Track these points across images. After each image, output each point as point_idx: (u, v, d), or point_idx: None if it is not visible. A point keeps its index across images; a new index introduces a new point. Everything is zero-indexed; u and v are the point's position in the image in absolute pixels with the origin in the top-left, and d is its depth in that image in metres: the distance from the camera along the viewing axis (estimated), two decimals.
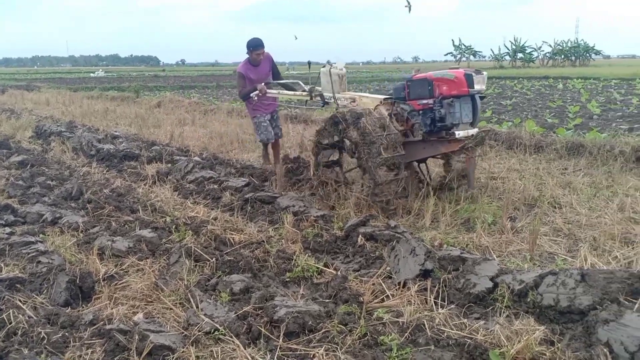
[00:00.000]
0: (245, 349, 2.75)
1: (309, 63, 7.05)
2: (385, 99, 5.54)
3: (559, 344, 2.66)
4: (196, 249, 4.03)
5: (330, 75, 5.87)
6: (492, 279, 3.38)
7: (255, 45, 7.01)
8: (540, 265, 3.78)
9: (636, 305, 2.89)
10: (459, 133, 5.03)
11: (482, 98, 5.31)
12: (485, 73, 5.16)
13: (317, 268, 3.84)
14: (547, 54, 62.46)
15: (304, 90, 6.46)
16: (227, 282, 3.49)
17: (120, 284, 3.65)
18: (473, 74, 4.99)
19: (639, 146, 7.03)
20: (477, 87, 5.03)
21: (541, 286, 3.21)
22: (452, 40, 70.65)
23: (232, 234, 4.57)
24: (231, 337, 2.84)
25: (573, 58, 60.73)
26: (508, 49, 65.30)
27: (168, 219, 5.13)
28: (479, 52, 73.80)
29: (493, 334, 2.75)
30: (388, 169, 4.90)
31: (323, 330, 2.91)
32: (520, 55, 63.45)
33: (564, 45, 61.36)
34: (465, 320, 2.99)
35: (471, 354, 2.67)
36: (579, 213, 4.94)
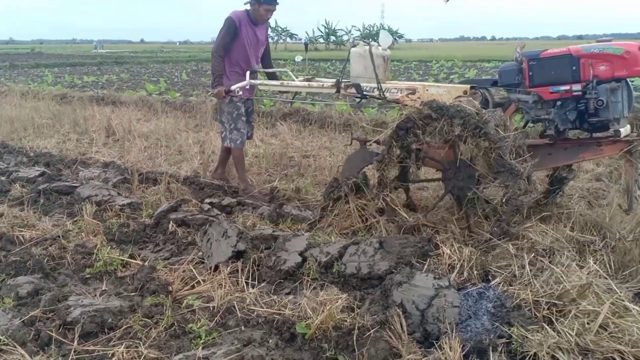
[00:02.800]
0: (32, 357, 2.44)
1: (307, 44, 5.96)
2: (472, 88, 3.90)
3: (359, 310, 2.81)
4: None
5: (372, 58, 4.04)
6: (301, 254, 3.47)
7: (269, 0, 4.92)
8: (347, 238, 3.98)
9: (425, 267, 3.18)
10: (622, 131, 3.53)
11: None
12: None
13: (122, 260, 3.58)
14: (358, 37, 66.59)
15: (308, 80, 4.63)
16: (11, 286, 3.07)
17: None
18: None
19: None
20: None
21: (345, 256, 3.38)
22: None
23: (22, 231, 4.05)
24: (15, 346, 2.50)
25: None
26: (321, 32, 68.21)
27: None
28: (295, 34, 75.92)
29: (300, 307, 2.81)
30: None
31: (125, 327, 2.71)
32: (332, 38, 66.69)
33: (372, 29, 65.89)
34: (276, 297, 3.02)
35: (279, 329, 2.70)
36: None
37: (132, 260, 3.60)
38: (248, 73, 4.76)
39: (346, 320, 2.65)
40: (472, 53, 32.03)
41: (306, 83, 4.51)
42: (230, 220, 4.12)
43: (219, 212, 4.42)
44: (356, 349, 2.46)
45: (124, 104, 11.65)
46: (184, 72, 24.37)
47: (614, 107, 3.45)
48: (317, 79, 4.64)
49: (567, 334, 2.39)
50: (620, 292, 2.57)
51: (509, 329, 2.56)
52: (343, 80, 4.25)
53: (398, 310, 2.68)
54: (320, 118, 8.77)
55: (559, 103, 3.62)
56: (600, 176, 5.34)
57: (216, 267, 3.39)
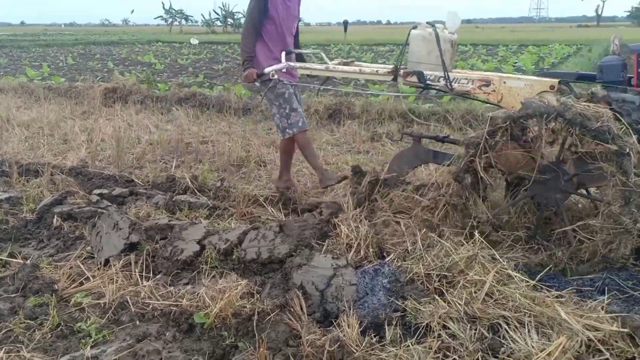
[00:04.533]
0: None
1: (346, 23, 4.53)
2: (562, 82, 3.24)
3: (260, 295, 2.79)
4: None
5: (439, 42, 3.40)
6: (199, 242, 3.37)
7: None
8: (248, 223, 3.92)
9: (324, 247, 3.22)
10: None
11: None
12: None
13: (1, 260, 3.28)
14: None
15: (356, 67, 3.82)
16: None
17: None
18: None
19: (330, 105, 7.89)
20: None
21: (245, 242, 3.33)
22: (162, 3, 68.42)
23: None
24: None
25: None
26: (218, 15, 66.61)
27: None
28: (191, 16, 73.52)
29: (199, 297, 2.74)
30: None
31: (4, 331, 2.50)
32: (230, 21, 65.36)
33: None
34: (173, 289, 2.92)
35: (177, 321, 2.62)
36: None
37: (13, 260, 3.32)
38: (283, 54, 4.05)
39: (246, 307, 2.62)
40: (368, 37, 32.78)
41: (356, 68, 3.74)
42: (121, 212, 3.92)
43: (109, 204, 4.19)
44: (256, 334, 2.44)
45: (1, 90, 10.70)
46: (69, 57, 22.79)
47: None
48: (363, 64, 3.98)
49: (457, 304, 2.52)
50: (504, 262, 2.75)
51: (404, 303, 2.65)
52: (401, 66, 3.56)
53: (298, 292, 2.69)
54: (219, 102, 8.57)
55: None
56: None
57: (107, 262, 3.21)
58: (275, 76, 3.91)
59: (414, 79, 3.49)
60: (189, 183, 4.62)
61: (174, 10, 68.42)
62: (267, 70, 3.91)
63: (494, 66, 15.40)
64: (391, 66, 3.61)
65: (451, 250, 2.86)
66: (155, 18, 73.19)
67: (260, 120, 7.91)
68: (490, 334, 2.37)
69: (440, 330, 2.41)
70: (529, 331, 2.32)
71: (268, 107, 4.43)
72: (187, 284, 3.06)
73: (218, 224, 3.84)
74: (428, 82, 3.46)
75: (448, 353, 2.29)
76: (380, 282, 2.85)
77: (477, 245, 2.86)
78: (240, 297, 2.69)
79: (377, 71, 3.64)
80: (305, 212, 3.97)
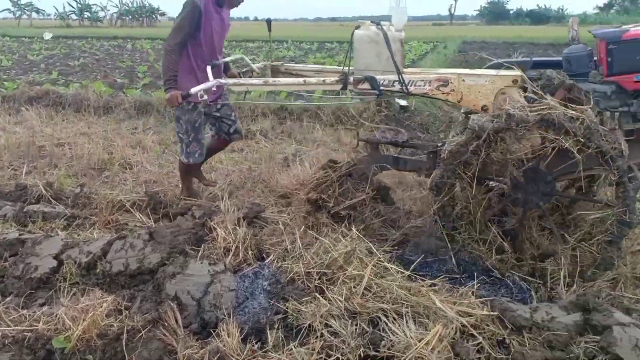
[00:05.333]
0: None
1: (269, 21, 3.95)
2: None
3: (129, 311, 2.56)
4: None
5: (388, 42, 3.10)
6: (56, 257, 3.03)
7: None
8: (113, 232, 3.61)
9: (199, 253, 3.05)
10: None
11: None
12: None
13: None
14: (115, 14, 62.24)
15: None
16: None
17: None
18: None
19: None
20: None
21: (110, 253, 3.06)
22: None
23: None
24: None
25: (140, 19, 62.18)
26: (73, 7, 61.88)
27: None
28: (42, 10, 67.53)
29: (57, 319, 2.44)
30: None
31: None
32: (87, 14, 61.04)
33: (131, 5, 62.09)
34: (26, 311, 2.58)
35: (32, 347, 2.31)
36: (150, 171, 4.98)
37: None
38: (209, 69, 3.48)
39: (113, 325, 2.39)
40: (236, 33, 32.38)
41: (300, 80, 3.34)
42: None
43: None
44: (126, 355, 2.22)
45: None
46: None
47: None
48: (298, 66, 3.71)
49: (337, 300, 2.51)
50: (380, 254, 2.79)
51: (285, 304, 2.59)
52: (350, 73, 3.18)
53: (172, 303, 2.52)
54: (75, 101, 7.89)
55: None
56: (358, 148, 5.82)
57: None
58: (205, 97, 3.32)
59: (366, 85, 3.16)
60: (43, 191, 4.17)
61: (22, 2, 62.37)
62: (193, 91, 3.32)
63: None
64: (337, 74, 3.26)
65: (330, 247, 2.84)
66: (1, 11, 66.19)
67: (123, 119, 7.42)
68: (371, 328, 2.39)
69: (322, 329, 2.38)
70: (407, 322, 2.37)
71: (175, 124, 4.12)
72: (44, 304, 2.72)
73: (78, 235, 3.49)
74: (382, 86, 3.15)
75: (331, 352, 2.26)
76: (261, 285, 2.77)
77: (354, 240, 2.88)
78: (106, 315, 2.45)
79: (323, 81, 3.25)
80: (177, 216, 3.75)
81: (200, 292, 2.62)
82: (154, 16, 62.83)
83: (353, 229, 2.99)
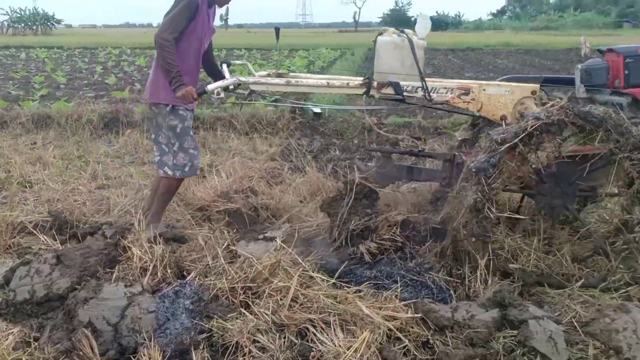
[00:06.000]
0: None
1: (277, 29, 3.85)
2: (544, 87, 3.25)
3: (38, 342, 2.37)
4: None
5: (413, 49, 3.15)
6: None
7: None
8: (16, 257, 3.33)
9: (114, 275, 2.89)
10: None
11: None
12: None
13: None
14: (6, 22, 58.09)
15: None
16: None
17: None
18: None
19: (105, 113, 7.26)
20: None
21: (13, 281, 2.82)
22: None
23: None
24: None
25: (35, 27, 58.50)
26: None
27: None
28: None
29: None
30: None
31: None
32: None
33: (23, 13, 58.23)
34: None
35: None
36: (52, 189, 4.65)
37: None
38: (225, 66, 3.46)
39: (22, 359, 2.19)
40: (139, 40, 31.28)
41: (324, 82, 3.30)
42: None
43: None
44: None
45: None
46: None
47: None
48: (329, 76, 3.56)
49: (264, 314, 2.46)
50: (305, 264, 2.78)
51: (209, 323, 2.50)
52: (374, 78, 3.19)
53: (86, 331, 2.36)
54: None
55: None
56: (274, 156, 5.79)
57: None
58: (222, 94, 3.22)
59: (390, 90, 3.18)
60: None
61: None
62: (210, 87, 3.20)
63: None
64: (360, 78, 3.29)
65: (254, 260, 2.79)
66: None
67: (20, 133, 6.91)
68: (299, 340, 2.37)
69: (250, 345, 2.32)
70: (335, 330, 2.37)
71: (153, 133, 3.68)
72: None
73: None
74: (406, 91, 3.17)
75: None
76: (182, 304, 2.66)
77: (279, 251, 2.84)
78: (13, 349, 2.26)
79: (347, 84, 3.27)
80: (86, 236, 3.52)
81: (116, 316, 2.48)
82: (49, 24, 59.33)
83: (277, 239, 2.95)
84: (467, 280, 2.80)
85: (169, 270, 2.94)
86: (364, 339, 2.26)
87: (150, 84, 3.48)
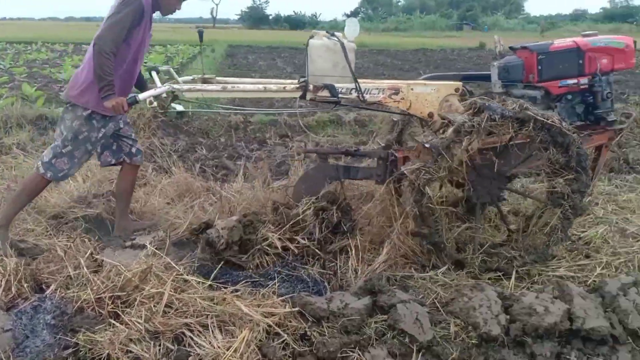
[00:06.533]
0: None
1: (201, 32, 3.68)
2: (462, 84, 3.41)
3: None
4: None
5: (345, 52, 3.18)
6: None
7: None
8: None
9: None
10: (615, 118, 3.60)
11: None
12: None
13: None
14: None
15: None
16: None
17: None
18: None
19: None
20: None
21: None
22: None
23: None
24: None
25: None
26: None
27: None
28: None
29: None
30: None
31: None
32: None
33: None
34: None
35: None
36: None
37: None
38: (155, 74, 3.34)
39: None
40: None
41: (261, 86, 3.23)
42: None
43: None
44: None
45: None
46: None
47: (614, 98, 3.68)
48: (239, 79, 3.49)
49: (136, 323, 2.35)
50: (179, 268, 2.70)
51: (75, 336, 2.34)
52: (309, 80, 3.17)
53: None
54: None
55: (569, 97, 3.55)
56: None
57: None
58: (155, 104, 3.07)
59: (325, 93, 3.18)
60: None
61: None
62: (142, 97, 3.05)
63: None
64: (295, 81, 3.27)
65: (122, 268, 2.64)
66: None
67: None
68: (176, 346, 2.31)
69: (122, 356, 2.21)
70: (213, 332, 2.33)
71: (58, 127, 3.41)
72: None
73: None
74: (341, 93, 3.20)
75: None
76: (43, 319, 2.45)
77: (150, 257, 2.73)
78: None
79: (284, 87, 3.24)
80: None
81: None
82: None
83: (148, 244, 2.83)
84: (339, 271, 2.92)
85: (24, 285, 2.68)
86: (244, 338, 2.26)
87: (76, 84, 3.29)
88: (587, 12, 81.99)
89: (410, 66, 17.59)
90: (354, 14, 76.67)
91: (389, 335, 2.40)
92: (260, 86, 3.26)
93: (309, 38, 3.27)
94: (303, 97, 3.23)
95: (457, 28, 57.14)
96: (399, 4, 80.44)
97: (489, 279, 3.03)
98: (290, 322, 2.43)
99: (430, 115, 3.27)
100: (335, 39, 3.22)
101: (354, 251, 2.92)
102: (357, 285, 2.74)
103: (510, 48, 3.70)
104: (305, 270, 2.98)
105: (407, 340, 2.35)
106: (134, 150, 3.65)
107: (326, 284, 2.90)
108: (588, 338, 2.42)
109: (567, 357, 2.35)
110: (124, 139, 3.61)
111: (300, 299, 2.54)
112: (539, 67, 3.46)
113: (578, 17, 74.71)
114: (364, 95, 3.23)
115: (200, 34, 3.63)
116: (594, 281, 2.94)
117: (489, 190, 3.20)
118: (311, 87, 3.19)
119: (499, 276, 3.07)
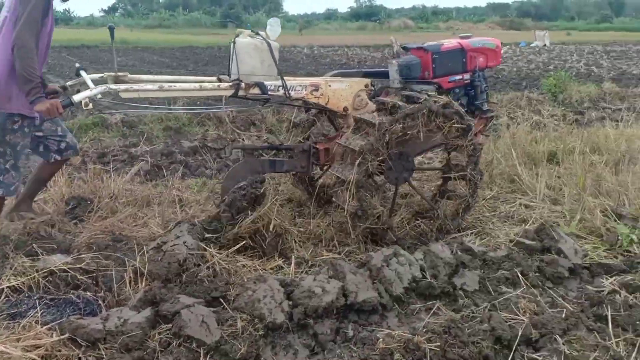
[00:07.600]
0: None
1: (112, 28, 3.28)
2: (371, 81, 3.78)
3: None
4: None
5: (272, 50, 3.36)
6: None
7: None
8: None
9: None
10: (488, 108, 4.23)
11: None
12: None
13: None
14: None
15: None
16: None
17: None
18: None
19: None
20: None
21: None
22: None
23: None
24: None
25: None
26: None
27: None
28: None
29: None
30: None
31: None
32: None
33: None
34: None
35: None
36: None
37: None
38: (85, 74, 3.25)
39: None
40: None
41: (196, 85, 3.30)
42: None
43: None
44: None
45: None
46: None
47: (488, 90, 4.30)
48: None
49: None
50: None
51: None
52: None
53: None
54: None
55: (456, 90, 4.06)
56: None
57: None
58: (90, 105, 2.91)
59: (256, 90, 3.33)
60: None
61: None
62: (77, 98, 2.90)
63: None
64: (228, 79, 3.39)
65: None
66: None
67: None
68: None
69: None
70: None
71: None
72: None
73: None
74: (270, 91, 3.36)
75: None
76: None
77: None
78: None
79: (219, 86, 3.33)
80: None
81: None
82: None
83: None
84: (115, 286, 2.69)
85: None
86: None
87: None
88: (337, 11, 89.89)
89: (178, 63, 17.25)
90: (113, 9, 72.19)
91: (174, 343, 2.29)
92: (197, 85, 3.33)
93: (234, 37, 3.41)
94: (235, 95, 3.33)
95: (222, 26, 57.71)
96: (160, 0, 77.85)
97: (270, 268, 3.12)
98: (60, 351, 2.16)
99: (345, 109, 3.59)
100: (260, 37, 3.40)
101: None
102: (137, 297, 2.56)
103: (404, 48, 4.07)
104: (75, 292, 2.67)
105: (194, 345, 2.28)
106: (62, 146, 3.57)
107: (101, 302, 2.65)
108: (361, 310, 2.64)
109: (345, 330, 2.53)
110: (49, 138, 3.52)
111: (70, 323, 2.27)
112: (434, 65, 3.91)
113: (330, 15, 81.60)
114: (290, 92, 3.44)
115: (112, 30, 3.43)
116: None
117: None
118: (243, 85, 3.31)
119: (280, 265, 3.18)
